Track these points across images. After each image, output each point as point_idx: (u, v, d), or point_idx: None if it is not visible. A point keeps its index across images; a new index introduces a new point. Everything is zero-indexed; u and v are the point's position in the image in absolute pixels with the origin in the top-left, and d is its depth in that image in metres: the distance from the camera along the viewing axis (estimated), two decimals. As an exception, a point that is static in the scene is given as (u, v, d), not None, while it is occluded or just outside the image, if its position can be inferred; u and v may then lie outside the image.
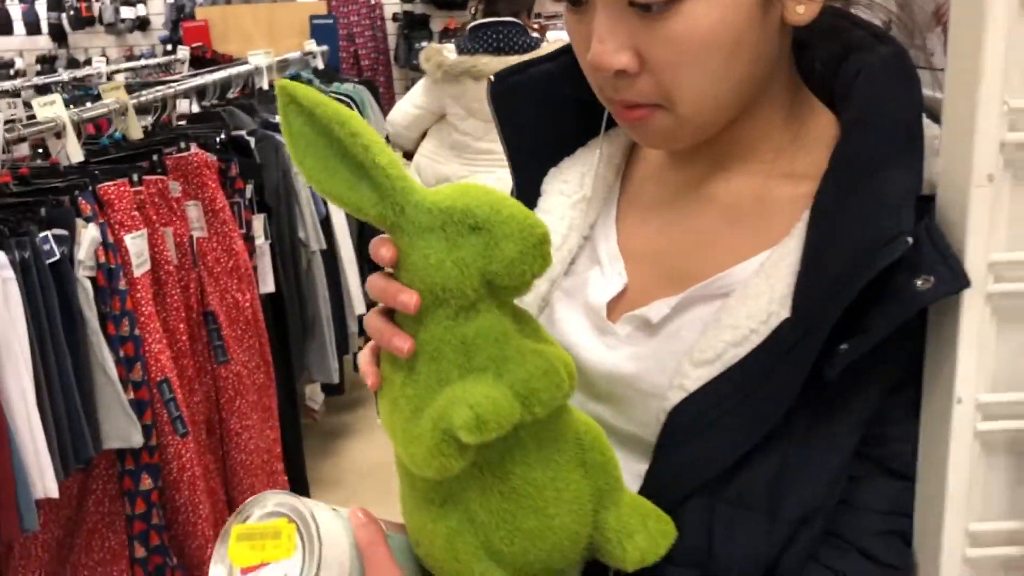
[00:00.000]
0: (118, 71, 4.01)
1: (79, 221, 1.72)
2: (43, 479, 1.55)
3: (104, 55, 6.54)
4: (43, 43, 6.79)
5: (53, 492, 1.57)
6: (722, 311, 0.69)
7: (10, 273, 1.50)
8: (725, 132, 0.72)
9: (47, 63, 6.62)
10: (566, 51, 0.79)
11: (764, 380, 0.65)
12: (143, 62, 4.64)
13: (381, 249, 0.60)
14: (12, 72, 6.50)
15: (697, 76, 0.65)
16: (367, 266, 3.77)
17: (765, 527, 0.66)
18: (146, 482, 1.89)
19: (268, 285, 2.63)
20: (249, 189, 2.62)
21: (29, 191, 1.85)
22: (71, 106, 2.29)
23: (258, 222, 2.59)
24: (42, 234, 1.64)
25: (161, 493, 1.96)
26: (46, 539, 1.92)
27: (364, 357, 0.66)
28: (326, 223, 3.13)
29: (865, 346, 0.61)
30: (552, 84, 0.82)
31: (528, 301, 0.80)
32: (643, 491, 0.69)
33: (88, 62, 6.02)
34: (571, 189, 0.83)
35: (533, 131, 0.85)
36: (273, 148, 2.87)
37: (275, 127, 3.08)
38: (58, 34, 6.76)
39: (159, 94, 2.64)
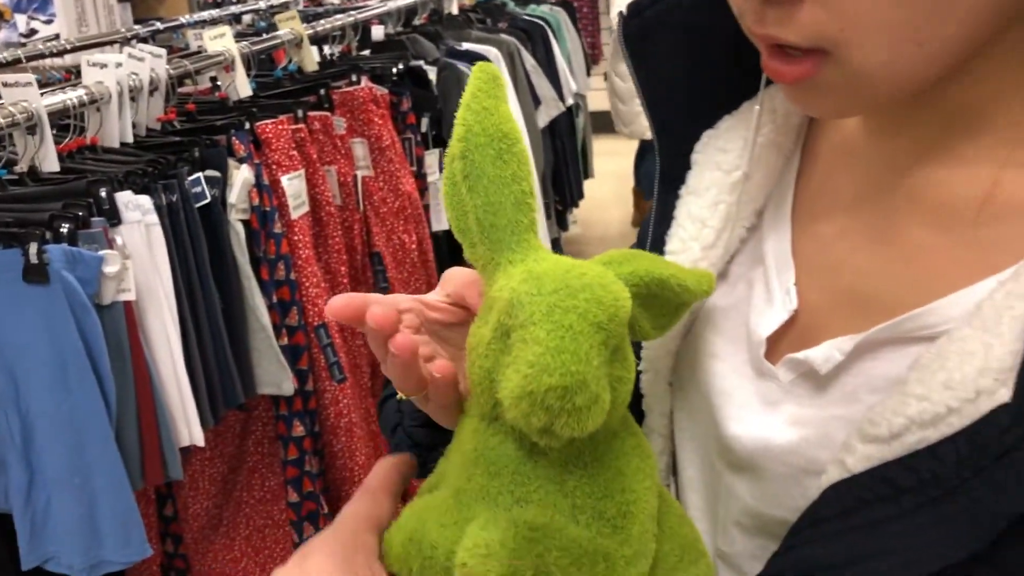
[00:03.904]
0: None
1: (231, 162, 1.66)
2: (189, 426, 1.53)
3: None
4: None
5: (199, 440, 1.54)
6: (914, 369, 0.46)
7: (154, 218, 1.45)
8: (938, 94, 0.49)
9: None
10: None
11: (961, 486, 0.42)
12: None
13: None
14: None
15: (891, 3, 0.43)
16: (553, 203, 3.64)
17: None
18: (298, 429, 1.86)
19: (442, 223, 2.54)
20: (424, 123, 2.52)
21: (193, 128, 1.82)
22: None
23: (431, 157, 2.49)
24: (193, 176, 1.59)
25: (316, 440, 1.93)
26: (212, 473, 1.95)
27: None
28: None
29: None
30: (705, 13, 0.59)
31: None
32: None
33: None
34: (731, 162, 0.60)
35: (681, 79, 0.61)
36: (455, 78, 2.75)
37: (459, 55, 2.96)
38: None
39: (338, 23, 2.57)
